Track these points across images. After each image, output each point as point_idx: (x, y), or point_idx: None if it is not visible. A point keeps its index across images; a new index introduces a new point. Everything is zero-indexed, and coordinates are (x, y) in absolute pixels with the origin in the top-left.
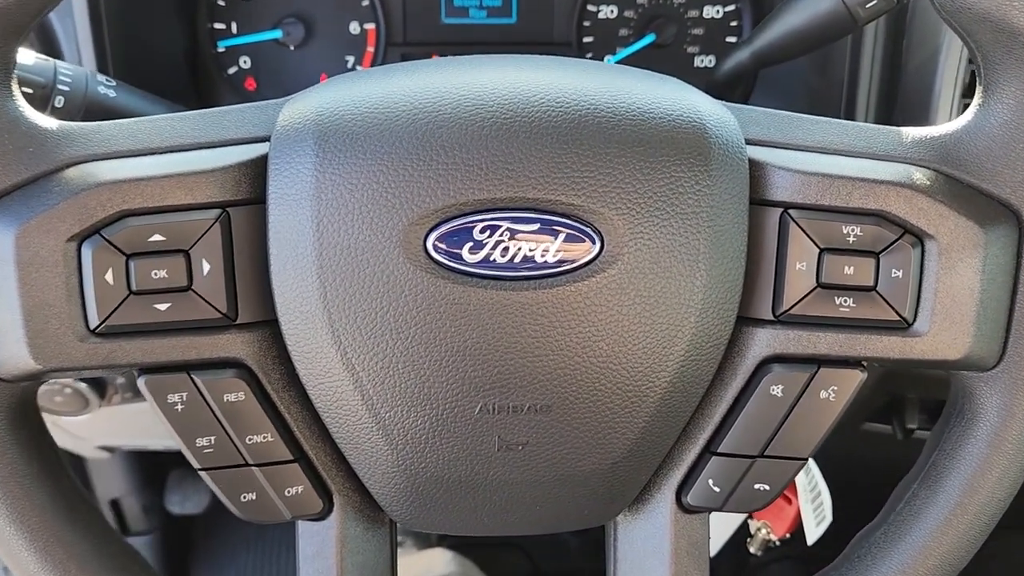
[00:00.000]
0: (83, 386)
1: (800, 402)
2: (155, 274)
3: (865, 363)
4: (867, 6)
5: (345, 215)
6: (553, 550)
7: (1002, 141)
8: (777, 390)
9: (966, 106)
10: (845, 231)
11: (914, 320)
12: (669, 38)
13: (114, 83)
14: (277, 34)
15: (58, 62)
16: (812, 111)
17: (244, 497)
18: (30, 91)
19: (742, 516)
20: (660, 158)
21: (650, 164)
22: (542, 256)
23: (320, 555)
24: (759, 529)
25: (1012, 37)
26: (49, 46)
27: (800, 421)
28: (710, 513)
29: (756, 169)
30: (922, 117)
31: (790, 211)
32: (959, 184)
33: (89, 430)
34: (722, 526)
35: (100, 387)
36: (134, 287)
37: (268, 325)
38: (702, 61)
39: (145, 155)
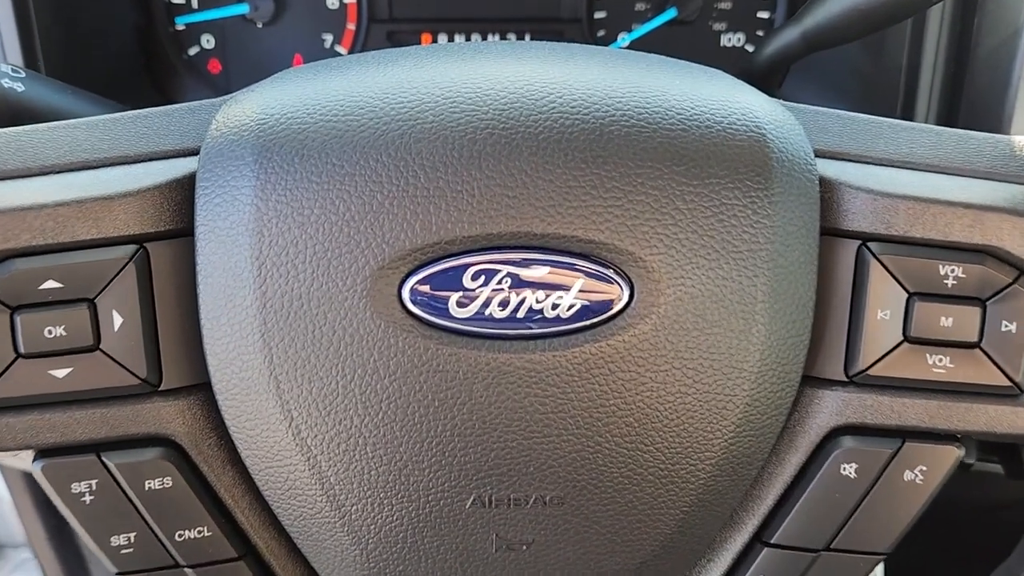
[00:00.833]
0: None
1: (878, 485)
2: (50, 331)
3: (961, 436)
4: None
5: (295, 254)
6: None
7: None
8: (849, 469)
9: None
10: (942, 272)
11: None
12: (693, 13)
13: (22, 74)
14: (243, 8)
15: None
16: (861, 104)
17: None
18: None
19: None
20: (707, 180)
21: (693, 187)
22: (553, 309)
23: None
24: None
25: None
26: None
27: (878, 508)
28: None
29: (827, 190)
30: (995, 113)
31: (870, 244)
32: None
33: None
34: None
35: None
36: (23, 348)
37: (200, 390)
38: (730, 40)
39: (37, 175)
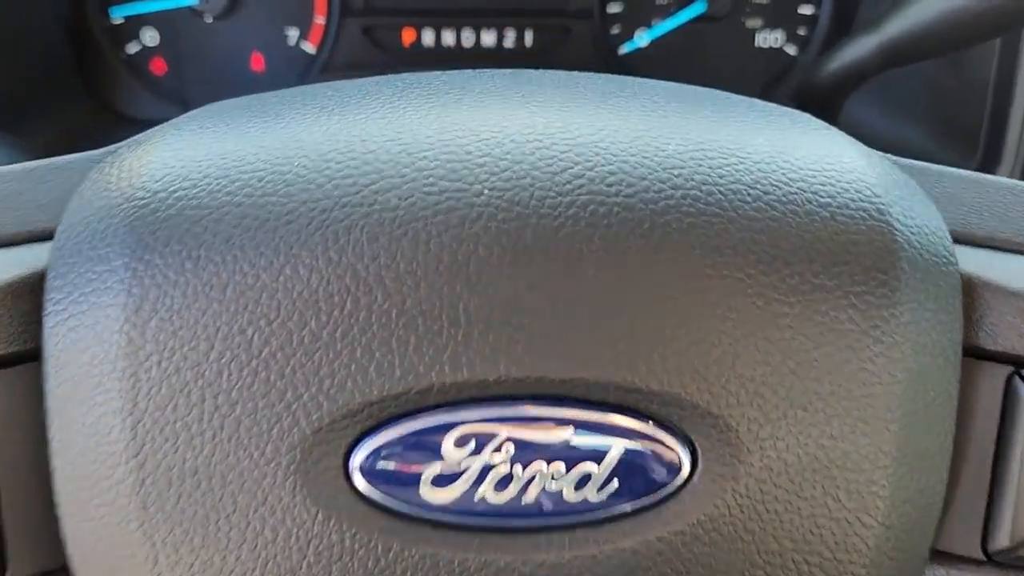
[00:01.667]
0: None
1: None
2: None
3: None
4: None
5: (186, 410)
6: None
7: None
8: None
9: None
10: None
11: None
12: (724, 7)
13: None
14: None
15: None
16: (936, 127)
17: None
18: None
19: None
20: (808, 295)
21: (789, 307)
22: (578, 489)
23: None
24: None
25: None
26: None
27: None
28: None
29: (967, 294)
30: None
31: None
32: None
33: None
34: None
35: None
36: None
37: None
38: (766, 39)
39: None
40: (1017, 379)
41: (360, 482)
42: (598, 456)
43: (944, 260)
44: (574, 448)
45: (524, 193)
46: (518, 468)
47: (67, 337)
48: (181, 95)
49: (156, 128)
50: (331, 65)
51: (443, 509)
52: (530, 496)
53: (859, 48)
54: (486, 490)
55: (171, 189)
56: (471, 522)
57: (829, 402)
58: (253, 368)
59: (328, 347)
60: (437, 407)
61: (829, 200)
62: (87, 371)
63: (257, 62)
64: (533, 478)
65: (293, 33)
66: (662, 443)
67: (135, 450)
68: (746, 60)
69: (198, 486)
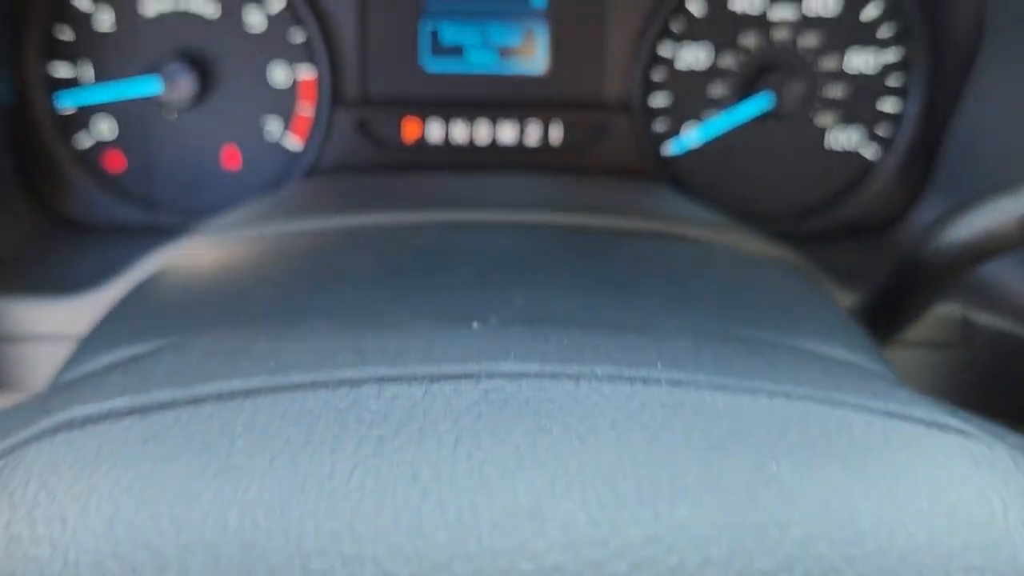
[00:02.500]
0: None
1: None
2: None
3: None
4: None
5: None
6: None
7: None
8: None
9: None
10: None
11: None
12: (793, 102)
13: None
14: (154, 85)
15: None
16: None
17: None
18: None
19: None
20: None
21: None
22: None
23: None
24: None
25: None
26: None
27: None
28: None
29: None
30: None
31: None
32: None
33: None
34: None
35: None
36: None
37: None
38: (838, 140)
39: None
40: None
41: None
42: None
43: None
44: None
45: None
46: None
47: None
48: (144, 196)
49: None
50: (319, 164)
51: None
52: None
53: (996, 214)
54: None
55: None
56: None
57: None
58: None
59: None
60: None
61: None
62: None
63: (232, 158)
64: None
65: (274, 125)
66: None
67: None
68: (815, 164)
69: None
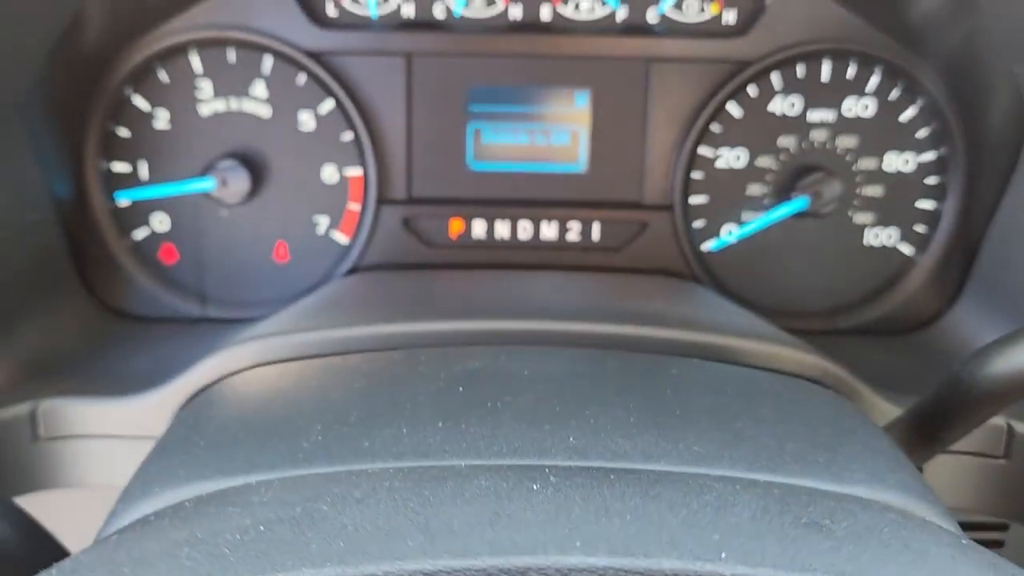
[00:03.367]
0: None
1: None
2: None
3: None
4: None
5: None
6: None
7: None
8: None
9: None
10: None
11: None
12: (830, 203)
13: None
14: (209, 183)
15: None
16: None
17: None
18: None
19: None
20: None
21: None
22: None
23: None
24: None
25: None
26: None
27: None
28: None
29: None
30: None
31: None
32: None
33: None
34: None
35: None
36: None
37: None
38: (878, 237)
39: None
40: None
41: None
42: None
43: None
44: None
45: None
46: None
47: None
48: (195, 288)
49: None
50: (365, 259)
51: None
52: None
53: None
54: None
55: None
56: None
57: None
58: None
59: None
60: None
61: None
62: None
63: (281, 251)
64: None
65: (322, 221)
66: None
67: None
68: (853, 260)
69: None
